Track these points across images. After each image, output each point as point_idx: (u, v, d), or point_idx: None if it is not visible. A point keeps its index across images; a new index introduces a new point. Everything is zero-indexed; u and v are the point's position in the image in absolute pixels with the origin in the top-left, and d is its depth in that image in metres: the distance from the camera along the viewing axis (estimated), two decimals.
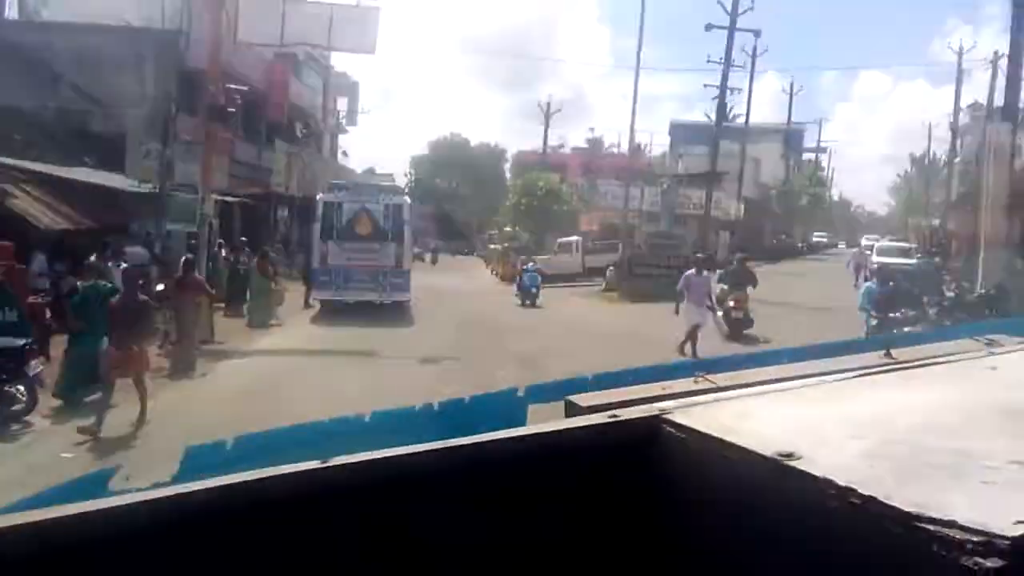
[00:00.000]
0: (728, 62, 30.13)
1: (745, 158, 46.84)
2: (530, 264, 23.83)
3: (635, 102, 30.58)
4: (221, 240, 22.56)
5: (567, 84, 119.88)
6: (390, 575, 0.99)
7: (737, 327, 15.45)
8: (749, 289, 16.37)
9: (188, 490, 0.90)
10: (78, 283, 10.97)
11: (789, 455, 0.92)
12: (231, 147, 27.69)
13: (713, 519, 1.01)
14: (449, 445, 1.02)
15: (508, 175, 79.99)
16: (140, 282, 9.65)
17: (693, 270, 14.08)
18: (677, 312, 13.99)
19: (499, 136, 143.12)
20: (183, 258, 14.21)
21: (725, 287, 16.45)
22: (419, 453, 1.00)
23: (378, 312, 18.30)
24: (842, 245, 71.26)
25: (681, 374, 1.40)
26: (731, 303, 15.73)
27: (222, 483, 0.91)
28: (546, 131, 44.20)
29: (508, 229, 45.00)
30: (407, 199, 19.65)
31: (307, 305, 20.45)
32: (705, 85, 32.64)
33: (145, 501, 0.88)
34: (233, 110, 16.09)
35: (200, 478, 0.92)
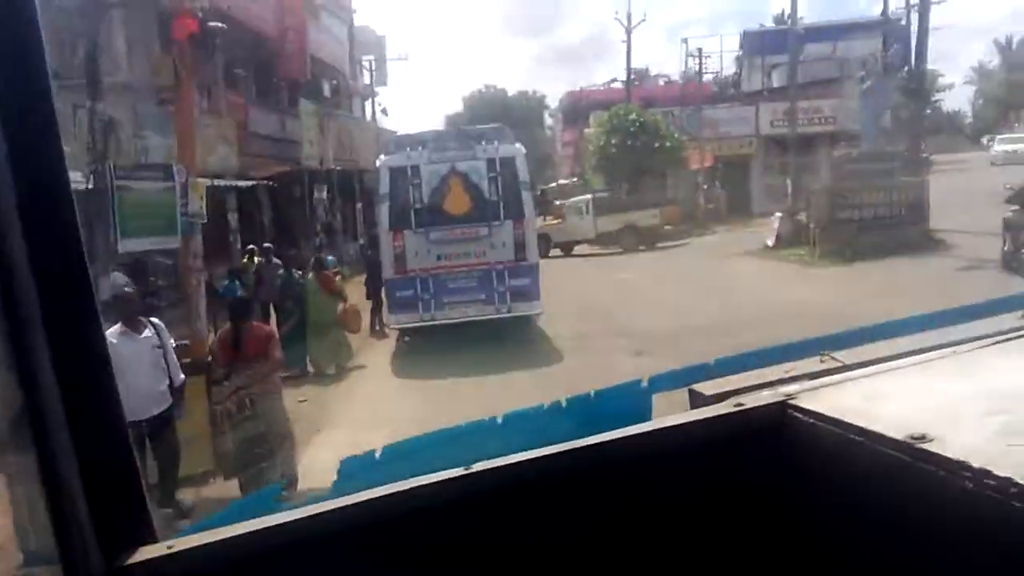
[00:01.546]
0: None
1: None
2: None
3: None
4: (252, 246, 15.28)
5: (590, 23, 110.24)
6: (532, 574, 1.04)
7: None
8: None
9: (347, 503, 0.99)
10: None
11: (922, 437, 0.90)
12: (244, 115, 20.76)
13: (845, 506, 1.00)
14: (579, 445, 1.06)
15: (549, 122, 72.27)
16: None
17: None
18: None
19: (530, 85, 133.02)
20: (234, 298, 8.81)
21: (1019, 208, 13.16)
22: (552, 455, 1.05)
23: (492, 336, 11.27)
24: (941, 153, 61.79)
25: (806, 353, 1.34)
26: None
27: (377, 495, 1.00)
28: (629, 51, 35.83)
29: (566, 181, 37.30)
30: (521, 147, 12.34)
31: (375, 331, 13.52)
32: None
33: (312, 516, 0.97)
34: (220, 24, 8.86)
35: (356, 488, 1.02)
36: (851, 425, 0.98)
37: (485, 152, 11.80)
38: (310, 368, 11.05)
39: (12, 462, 0.88)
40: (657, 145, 28.54)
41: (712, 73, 39.32)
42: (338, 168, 24.56)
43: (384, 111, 39.84)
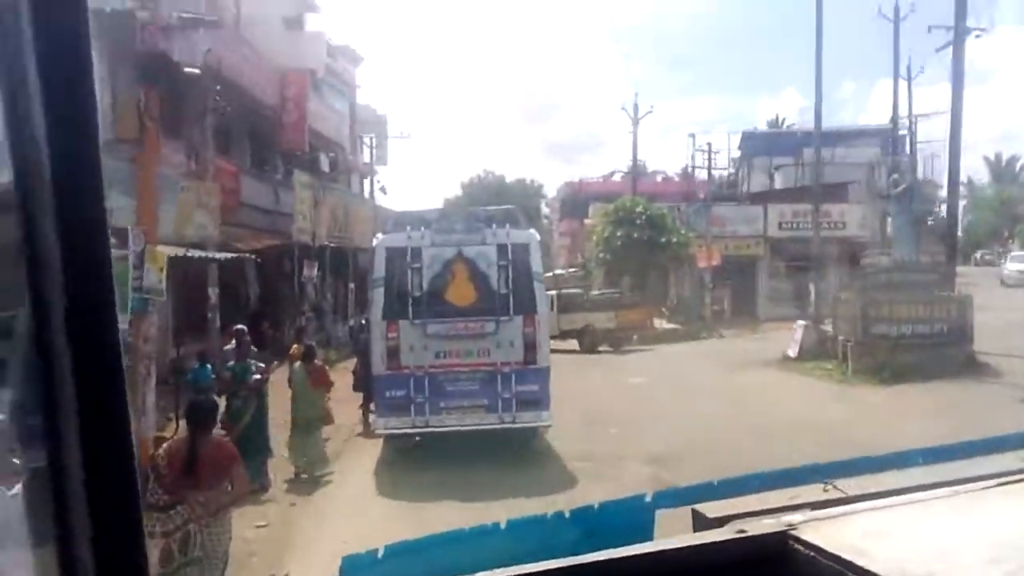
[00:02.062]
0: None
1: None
2: None
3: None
4: (241, 327, 11.99)
5: (585, 119, 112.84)
6: None
7: None
8: None
9: None
10: None
11: None
12: (236, 183, 19.59)
13: None
14: (583, 562, 1.06)
15: (545, 211, 72.48)
16: None
17: None
18: None
19: (525, 173, 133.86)
20: (194, 398, 7.00)
21: None
22: (555, 570, 1.04)
23: (493, 449, 9.71)
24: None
25: (809, 479, 1.34)
26: None
27: None
28: (635, 142, 35.27)
29: (562, 271, 36.11)
30: (535, 234, 11.04)
31: (364, 425, 11.97)
32: None
33: None
34: (195, 70, 7.63)
35: None
36: (851, 563, 0.98)
37: (495, 237, 10.45)
38: (270, 477, 9.32)
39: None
40: (664, 240, 27.51)
41: (720, 169, 38.61)
42: (331, 245, 23.28)
43: (383, 189, 38.85)
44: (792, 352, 17.06)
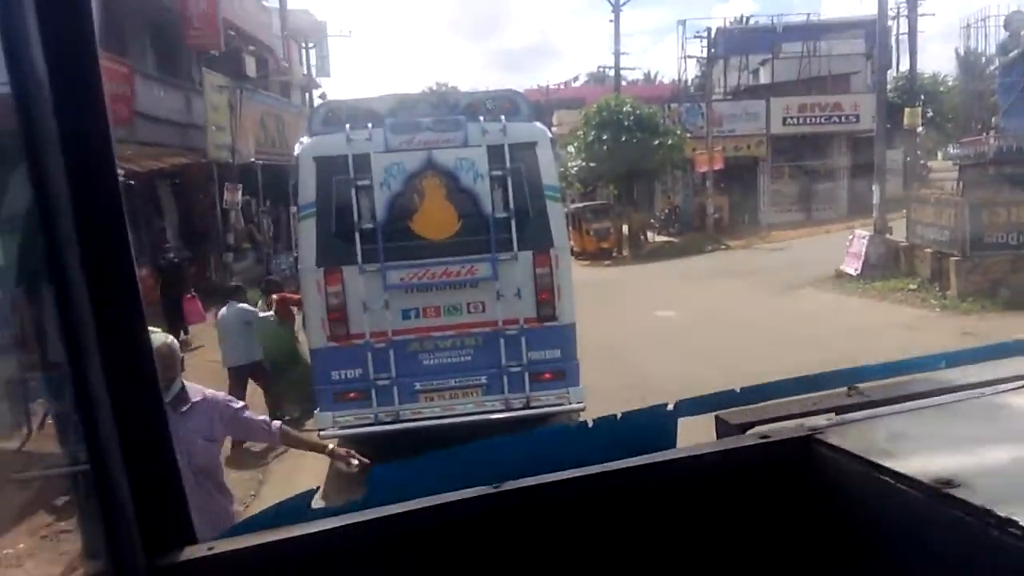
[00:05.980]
0: None
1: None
2: None
3: None
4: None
5: (534, 29, 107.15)
6: None
7: None
8: None
9: (378, 515, 1.00)
10: None
11: (947, 482, 0.88)
12: (129, 87, 15.36)
13: (867, 544, 0.99)
14: (607, 470, 1.07)
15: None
16: None
17: None
18: None
19: (478, 86, 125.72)
20: None
21: None
22: (580, 477, 1.05)
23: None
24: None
25: (833, 385, 1.32)
26: None
27: (408, 508, 1.01)
28: (617, 30, 30.14)
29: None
30: (544, 129, 7.31)
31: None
32: None
33: (345, 526, 0.98)
34: None
35: (387, 499, 1.02)
36: (878, 465, 0.97)
37: (485, 135, 6.75)
38: None
39: (69, 468, 0.88)
40: (657, 142, 23.76)
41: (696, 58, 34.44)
42: (260, 163, 19.11)
43: (323, 97, 34.12)
44: (852, 268, 13.74)
